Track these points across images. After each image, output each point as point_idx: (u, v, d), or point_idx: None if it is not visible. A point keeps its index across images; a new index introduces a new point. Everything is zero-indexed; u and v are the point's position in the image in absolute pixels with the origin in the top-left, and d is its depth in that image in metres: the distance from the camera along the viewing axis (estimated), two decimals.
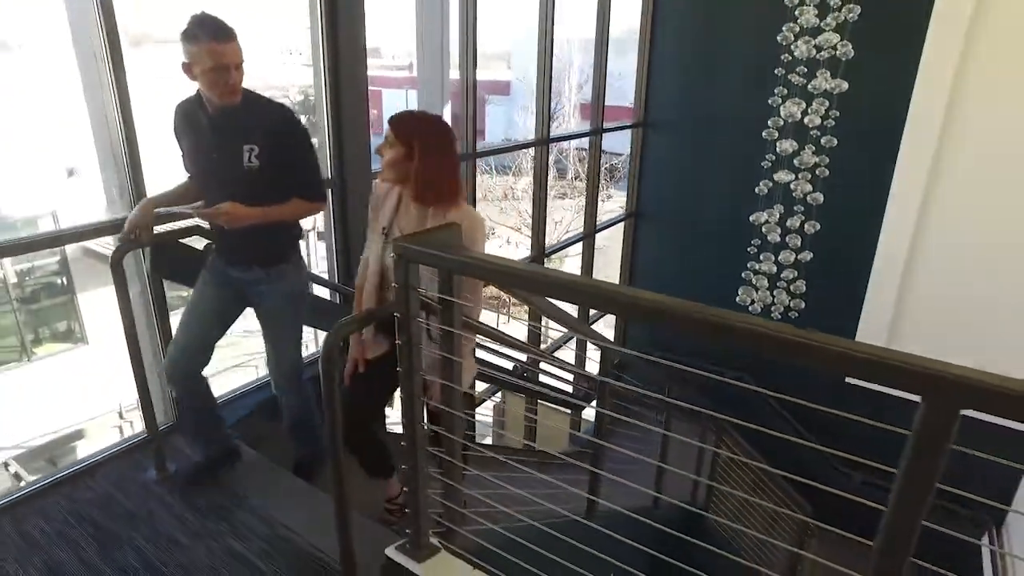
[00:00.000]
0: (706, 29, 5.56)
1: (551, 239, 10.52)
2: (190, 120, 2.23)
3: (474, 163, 4.27)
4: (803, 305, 4.40)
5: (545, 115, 4.85)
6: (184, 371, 2.41)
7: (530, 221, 15.21)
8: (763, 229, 4.24)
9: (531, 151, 16.10)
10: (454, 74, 4.45)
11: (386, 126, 2.06)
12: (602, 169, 15.73)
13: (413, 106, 4.05)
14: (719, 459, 4.78)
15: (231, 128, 2.17)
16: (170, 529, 2.28)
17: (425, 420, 1.87)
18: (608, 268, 8.31)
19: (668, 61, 5.88)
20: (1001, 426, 1.62)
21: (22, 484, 2.85)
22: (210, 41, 2.02)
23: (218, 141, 2.19)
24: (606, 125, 6.23)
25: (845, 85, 3.91)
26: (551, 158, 17.12)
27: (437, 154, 2.05)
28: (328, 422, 1.75)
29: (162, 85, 2.38)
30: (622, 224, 6.77)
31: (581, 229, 6.35)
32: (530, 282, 1.77)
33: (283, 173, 2.24)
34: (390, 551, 1.97)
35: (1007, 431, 1.83)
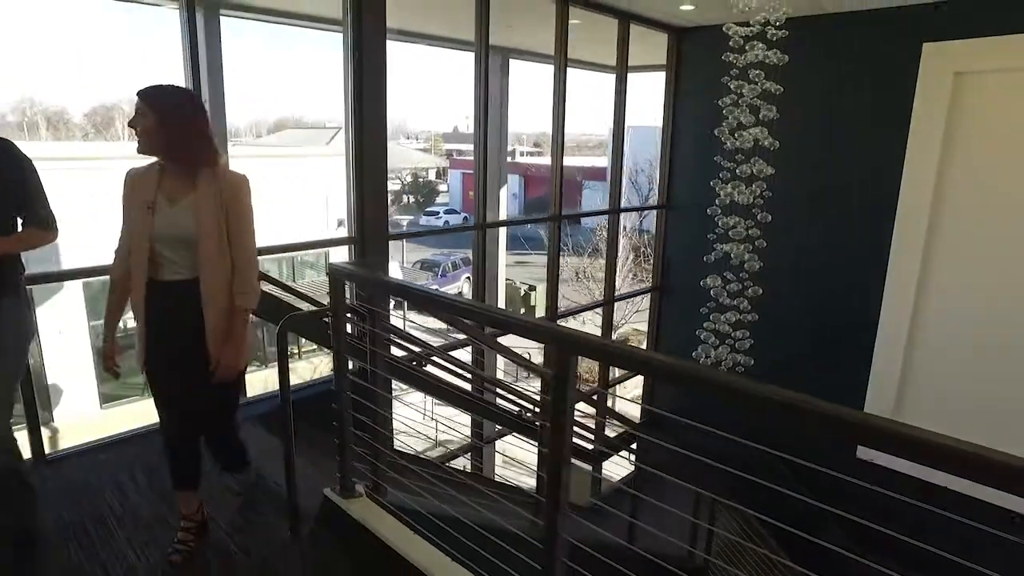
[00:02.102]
0: (703, 123, 6.34)
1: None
2: None
3: (484, 233, 5.15)
4: (752, 362, 4.84)
5: (557, 194, 5.72)
6: None
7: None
8: (712, 292, 4.82)
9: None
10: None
11: (136, 100, 2.14)
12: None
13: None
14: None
15: None
16: None
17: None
18: None
19: (682, 152, 6.67)
20: None
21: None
22: None
23: None
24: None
25: (771, 170, 4.52)
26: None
27: (188, 118, 2.18)
28: (282, 398, 2.58)
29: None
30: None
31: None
32: (426, 302, 2.59)
33: (8, 200, 2.22)
34: (327, 491, 2.75)
35: None
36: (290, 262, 12.64)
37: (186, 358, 2.26)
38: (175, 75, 3.61)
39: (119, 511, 2.82)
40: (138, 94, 2.13)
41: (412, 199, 32.64)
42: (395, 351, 3.74)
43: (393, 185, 33.07)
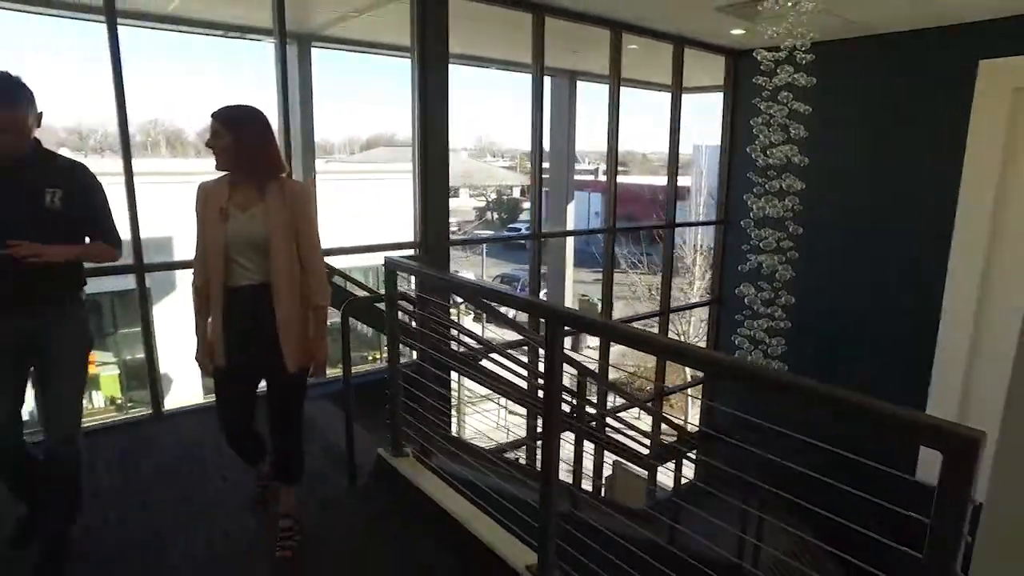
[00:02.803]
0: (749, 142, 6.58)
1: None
2: None
3: (539, 243, 5.60)
4: (786, 367, 4.99)
5: (612, 207, 6.12)
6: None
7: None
8: (746, 300, 5.03)
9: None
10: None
11: (211, 121, 2.31)
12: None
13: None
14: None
15: (28, 172, 2.22)
16: None
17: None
18: None
19: (739, 169, 6.90)
20: None
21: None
22: None
23: (12, 185, 2.18)
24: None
25: (800, 184, 4.71)
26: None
27: (259, 134, 2.36)
28: (344, 371, 3.11)
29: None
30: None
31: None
32: (443, 284, 3.07)
33: (82, 217, 2.34)
34: (380, 450, 3.25)
35: None
36: (376, 273, 13.54)
37: (258, 361, 2.42)
38: (270, 99, 4.28)
39: (215, 455, 3.44)
40: (213, 115, 2.31)
41: (496, 216, 33.37)
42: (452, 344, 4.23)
43: (478, 202, 33.93)
